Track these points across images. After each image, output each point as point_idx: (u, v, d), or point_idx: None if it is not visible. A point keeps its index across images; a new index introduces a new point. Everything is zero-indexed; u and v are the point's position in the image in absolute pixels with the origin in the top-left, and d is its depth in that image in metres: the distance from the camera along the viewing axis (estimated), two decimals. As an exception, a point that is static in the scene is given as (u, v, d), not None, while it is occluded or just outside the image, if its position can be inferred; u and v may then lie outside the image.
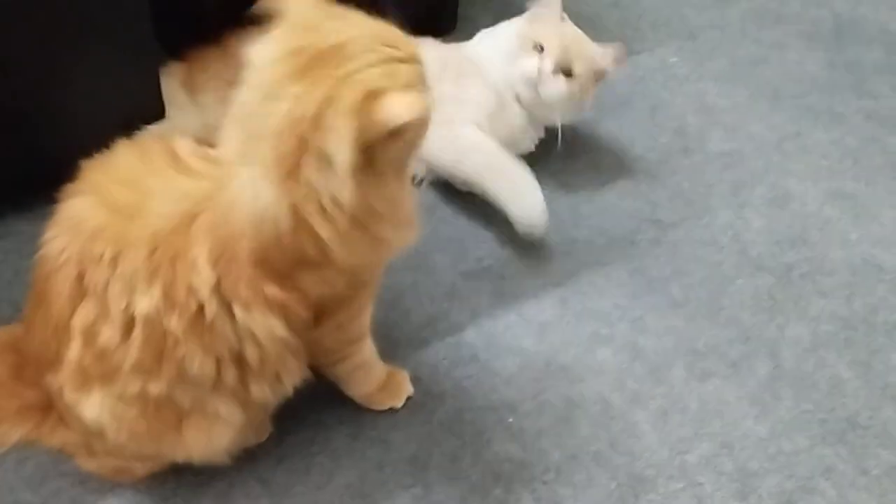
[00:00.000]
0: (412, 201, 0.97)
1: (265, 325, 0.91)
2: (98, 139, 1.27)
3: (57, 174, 1.29)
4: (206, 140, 0.98)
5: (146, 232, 0.89)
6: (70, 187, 0.95)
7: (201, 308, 0.89)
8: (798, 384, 1.28)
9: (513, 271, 1.41)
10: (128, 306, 0.89)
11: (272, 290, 0.90)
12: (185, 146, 0.95)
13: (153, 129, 1.41)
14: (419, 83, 0.85)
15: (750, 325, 1.36)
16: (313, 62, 0.82)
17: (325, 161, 0.82)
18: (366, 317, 1.07)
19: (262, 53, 0.85)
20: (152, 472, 1.08)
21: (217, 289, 0.89)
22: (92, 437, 0.99)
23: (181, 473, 1.09)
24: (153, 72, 1.40)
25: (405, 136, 0.83)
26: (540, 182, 1.54)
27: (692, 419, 1.22)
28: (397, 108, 0.80)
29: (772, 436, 1.21)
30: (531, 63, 1.47)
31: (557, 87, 1.47)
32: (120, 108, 1.36)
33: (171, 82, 1.50)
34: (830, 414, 1.25)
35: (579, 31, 1.55)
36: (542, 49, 1.48)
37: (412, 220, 0.97)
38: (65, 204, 0.95)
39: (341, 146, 0.81)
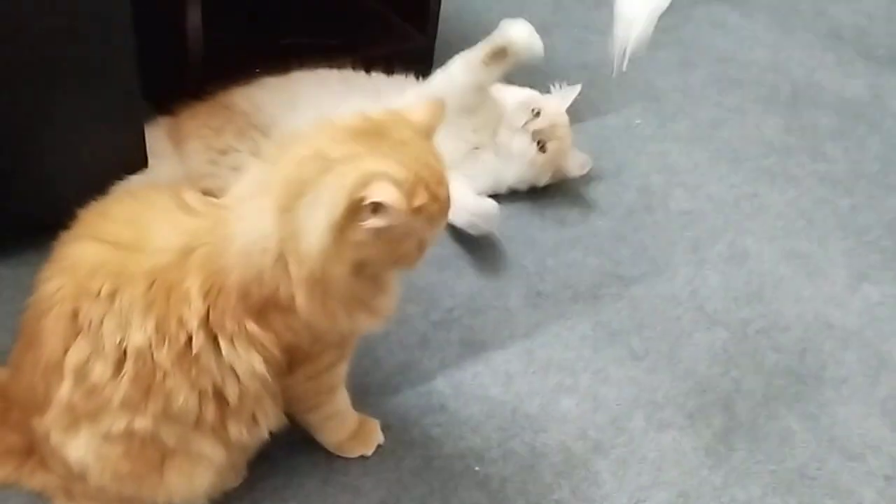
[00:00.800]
0: (383, 299, 1.00)
1: (246, 361, 0.95)
2: (81, 188, 1.32)
3: (39, 221, 1.33)
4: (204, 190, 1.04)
5: (145, 266, 0.93)
6: (67, 233, 1.00)
7: (189, 340, 0.93)
8: (751, 435, 1.34)
9: (481, 322, 1.46)
10: (121, 341, 0.92)
11: (251, 326, 0.94)
12: (191, 193, 1.01)
13: (135, 180, 1.45)
14: (425, 201, 0.90)
15: (706, 378, 1.42)
16: (373, 133, 0.91)
17: (315, 203, 0.88)
18: (337, 373, 1.11)
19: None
20: (129, 515, 1.10)
21: (205, 321, 0.93)
22: (73, 479, 1.02)
23: (156, 516, 1.12)
24: (138, 124, 1.44)
25: (374, 225, 0.87)
26: (507, 236, 1.62)
27: (650, 468, 1.28)
28: (382, 189, 0.86)
29: (726, 485, 1.27)
30: (523, 114, 1.66)
31: (525, 146, 1.65)
32: (103, 159, 1.40)
33: (156, 133, 1.55)
34: (781, 465, 1.31)
35: (570, 132, 1.73)
36: (537, 114, 1.66)
37: (378, 312, 1.00)
38: (61, 247, 0.99)
39: (334, 195, 0.87)
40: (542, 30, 2.21)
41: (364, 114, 0.94)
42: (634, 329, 1.48)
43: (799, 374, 1.44)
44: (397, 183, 0.87)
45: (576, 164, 1.72)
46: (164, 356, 0.93)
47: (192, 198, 0.99)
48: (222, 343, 0.94)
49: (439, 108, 0.98)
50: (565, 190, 1.75)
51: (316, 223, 0.88)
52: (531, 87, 1.77)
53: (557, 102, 1.74)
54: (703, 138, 1.95)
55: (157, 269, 0.93)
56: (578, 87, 1.77)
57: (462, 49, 1.79)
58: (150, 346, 0.92)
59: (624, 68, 1.69)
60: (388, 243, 0.91)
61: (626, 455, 1.29)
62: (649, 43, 1.70)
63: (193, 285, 0.92)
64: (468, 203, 1.56)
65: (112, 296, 0.92)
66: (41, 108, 1.31)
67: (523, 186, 1.70)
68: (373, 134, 0.91)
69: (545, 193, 1.72)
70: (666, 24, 2.32)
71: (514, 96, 1.72)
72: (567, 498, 1.22)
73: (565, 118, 1.72)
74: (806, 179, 1.86)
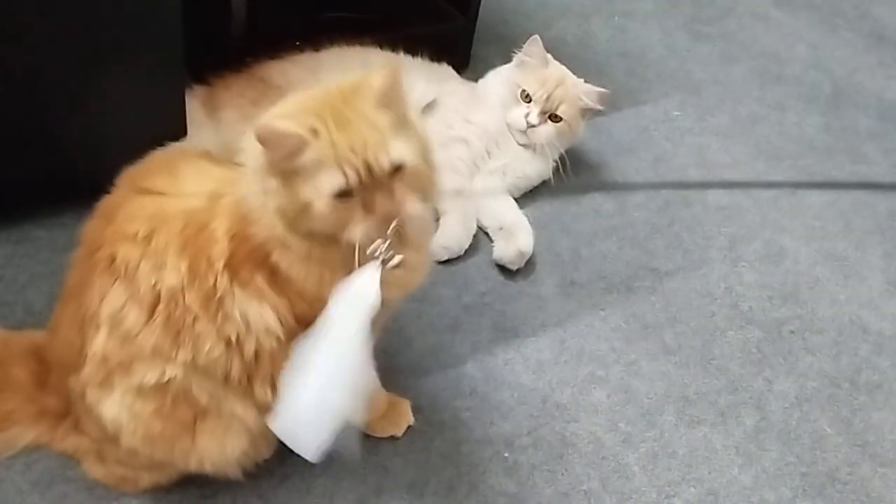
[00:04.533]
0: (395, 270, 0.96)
1: (259, 313, 0.95)
2: (120, 154, 1.31)
3: (77, 185, 1.33)
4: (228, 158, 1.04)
5: (180, 208, 0.95)
6: (109, 191, 1.01)
7: (216, 282, 0.94)
8: (783, 437, 1.33)
9: (513, 308, 1.45)
10: (156, 283, 0.93)
11: (260, 282, 0.94)
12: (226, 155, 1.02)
13: (174, 147, 1.45)
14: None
15: (739, 377, 1.40)
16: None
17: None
18: None
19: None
20: (157, 484, 1.10)
21: (229, 263, 0.94)
22: (106, 441, 1.02)
23: (186, 487, 1.11)
24: (179, 92, 1.43)
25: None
26: (543, 223, 1.60)
27: (680, 464, 1.27)
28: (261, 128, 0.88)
29: (756, 485, 1.26)
30: (519, 114, 1.62)
31: (546, 131, 1.62)
32: (144, 126, 1.39)
33: (193, 102, 1.54)
34: (812, 468, 1.29)
35: (564, 70, 1.67)
36: (529, 98, 1.61)
37: (388, 284, 0.95)
38: (103, 202, 1.01)
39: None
40: (581, 17, 2.20)
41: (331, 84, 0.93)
42: (668, 323, 1.47)
43: (833, 378, 1.43)
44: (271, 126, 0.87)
45: (593, 98, 1.64)
46: (193, 298, 0.93)
47: (222, 157, 1.01)
48: (236, 288, 0.94)
49: (394, 72, 0.92)
50: (602, 179, 1.73)
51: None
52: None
53: (531, 65, 1.65)
54: (742, 134, 1.92)
55: (190, 210, 0.95)
56: (536, 38, 1.64)
57: (501, 33, 1.77)
58: (183, 286, 0.93)
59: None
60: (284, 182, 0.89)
61: (656, 449, 1.28)
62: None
63: (221, 227, 0.94)
64: (505, 251, 1.50)
65: (148, 237, 0.94)
66: (85, 74, 1.31)
67: (570, 145, 1.68)
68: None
69: (581, 179, 1.70)
70: (708, 16, 2.31)
71: (494, 91, 1.67)
72: (596, 489, 1.21)
73: (549, 71, 1.64)
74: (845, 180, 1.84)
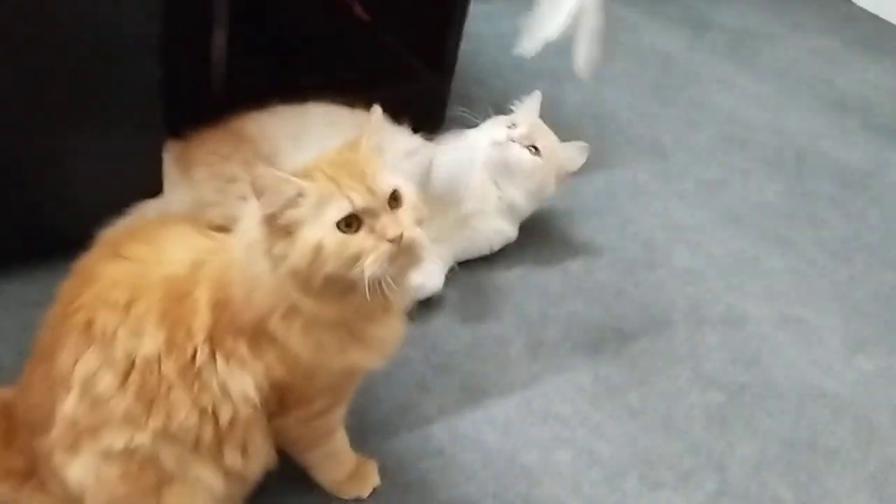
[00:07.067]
0: (376, 329, 1.01)
1: (240, 382, 0.97)
2: (96, 211, 1.33)
3: (52, 241, 1.34)
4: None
5: (160, 275, 0.97)
6: (88, 252, 1.02)
7: (195, 353, 0.95)
8: (742, 501, 1.35)
9: (481, 369, 1.47)
10: (132, 351, 0.94)
11: (243, 350, 0.96)
12: (203, 222, 1.06)
13: (150, 205, 1.46)
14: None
15: (701, 440, 1.43)
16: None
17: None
18: (332, 418, 1.12)
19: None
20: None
21: (211, 334, 0.95)
22: (71, 502, 1.02)
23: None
24: (157, 151, 1.45)
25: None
26: (511, 284, 1.63)
27: (642, 528, 1.29)
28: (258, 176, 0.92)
29: (716, 550, 1.28)
30: (502, 130, 1.66)
31: (521, 153, 1.63)
32: (120, 183, 1.41)
33: (167, 159, 1.56)
34: (771, 532, 1.32)
35: (550, 132, 1.71)
36: (514, 126, 1.66)
37: (372, 345, 1.01)
38: (82, 264, 1.02)
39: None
40: (554, 79, 2.26)
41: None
42: (633, 385, 1.50)
43: (791, 443, 1.46)
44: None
45: (573, 154, 1.69)
46: (170, 367, 0.94)
47: (203, 223, 1.04)
48: (219, 359, 0.96)
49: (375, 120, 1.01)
50: (569, 240, 1.77)
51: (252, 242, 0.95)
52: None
53: (526, 111, 1.73)
54: (706, 198, 1.97)
55: (170, 278, 0.96)
56: (538, 94, 1.75)
57: (475, 94, 1.81)
58: (160, 355, 0.94)
59: (526, 52, 1.61)
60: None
61: (619, 513, 1.30)
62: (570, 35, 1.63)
63: (202, 296, 0.96)
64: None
65: (129, 305, 0.95)
66: (63, 130, 1.33)
67: (535, 203, 1.68)
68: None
69: (549, 241, 1.74)
70: (675, 82, 2.38)
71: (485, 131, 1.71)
72: (559, 553, 1.23)
73: (540, 122, 1.71)
74: (806, 246, 1.89)
